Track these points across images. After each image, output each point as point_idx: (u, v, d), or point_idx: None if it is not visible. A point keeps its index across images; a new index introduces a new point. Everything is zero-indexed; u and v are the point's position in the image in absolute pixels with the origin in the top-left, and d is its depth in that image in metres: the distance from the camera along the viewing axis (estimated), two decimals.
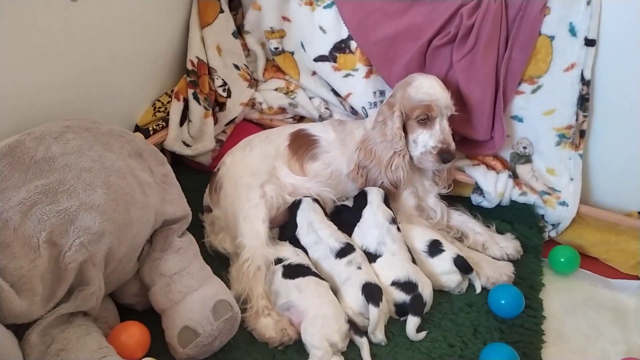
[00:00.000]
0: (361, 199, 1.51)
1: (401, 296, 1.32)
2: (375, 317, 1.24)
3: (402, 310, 1.32)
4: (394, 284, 1.33)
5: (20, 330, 0.96)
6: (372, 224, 1.43)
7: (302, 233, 1.43)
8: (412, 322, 1.28)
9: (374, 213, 1.45)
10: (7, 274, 0.93)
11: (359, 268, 1.34)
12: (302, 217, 1.45)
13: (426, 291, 1.33)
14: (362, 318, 1.28)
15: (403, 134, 1.53)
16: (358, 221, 1.48)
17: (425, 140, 1.52)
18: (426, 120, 1.51)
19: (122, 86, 1.58)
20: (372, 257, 1.40)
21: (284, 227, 1.51)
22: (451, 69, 1.63)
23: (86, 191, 1.05)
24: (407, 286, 1.32)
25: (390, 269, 1.36)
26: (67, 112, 1.34)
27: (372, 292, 1.28)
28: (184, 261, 1.21)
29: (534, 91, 1.59)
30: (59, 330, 0.99)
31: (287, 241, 1.45)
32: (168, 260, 1.20)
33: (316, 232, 1.41)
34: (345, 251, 1.38)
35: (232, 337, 1.20)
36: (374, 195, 1.49)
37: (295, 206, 1.48)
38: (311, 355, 1.19)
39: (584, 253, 1.63)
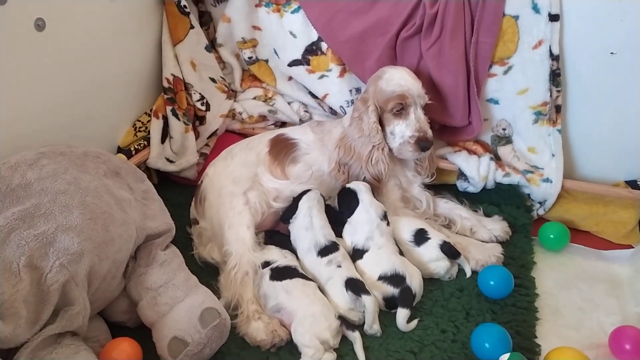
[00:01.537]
0: (351, 198, 1.49)
1: (389, 289, 1.32)
2: (372, 305, 1.24)
3: (391, 303, 1.32)
4: (381, 278, 1.34)
5: (9, 355, 0.98)
6: (364, 220, 1.43)
7: (299, 216, 1.45)
8: (402, 314, 1.28)
9: (367, 210, 1.45)
10: None
11: (339, 266, 1.35)
12: (305, 201, 1.47)
13: (415, 282, 1.34)
14: (354, 313, 1.29)
15: (380, 128, 1.55)
16: (348, 218, 1.48)
17: (402, 131, 1.53)
18: (401, 111, 1.52)
19: (100, 110, 1.60)
20: (359, 253, 1.40)
21: (270, 232, 1.52)
22: (422, 59, 1.64)
23: (62, 213, 1.07)
24: (395, 279, 1.33)
25: (376, 264, 1.37)
26: (46, 140, 1.36)
27: (356, 285, 1.29)
28: (169, 273, 1.22)
29: (505, 72, 1.60)
30: (47, 352, 1.00)
31: (274, 242, 1.46)
32: (153, 274, 1.21)
33: (311, 219, 1.42)
34: (328, 250, 1.38)
35: (224, 344, 1.21)
36: (364, 193, 1.48)
37: (303, 193, 1.50)
38: (303, 354, 1.20)
39: (575, 228, 1.64)
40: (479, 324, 1.26)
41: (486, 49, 1.58)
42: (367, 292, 1.26)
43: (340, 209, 1.52)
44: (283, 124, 1.95)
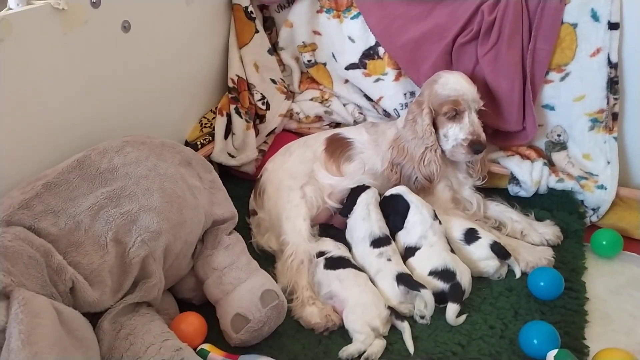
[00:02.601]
0: (397, 202, 1.52)
1: (439, 285, 1.36)
2: (430, 297, 1.30)
3: (441, 298, 1.36)
4: (431, 273, 1.38)
5: (94, 319, 1.10)
6: (418, 221, 1.47)
7: (357, 210, 1.51)
8: (452, 309, 1.32)
9: (420, 211, 1.48)
10: (81, 269, 1.07)
11: (389, 260, 1.40)
12: (364, 198, 1.53)
13: (465, 279, 1.37)
14: (404, 306, 1.34)
15: (433, 130, 1.60)
16: (402, 227, 1.50)
17: (456, 134, 1.57)
18: (455, 115, 1.56)
19: (172, 107, 1.74)
20: (411, 251, 1.45)
21: (324, 225, 1.60)
22: (477, 64, 1.68)
23: (144, 195, 1.19)
24: (445, 274, 1.37)
25: (427, 260, 1.41)
26: (126, 132, 1.50)
27: (409, 280, 1.34)
28: (233, 256, 1.32)
29: (562, 79, 1.62)
30: (127, 318, 1.11)
31: (329, 235, 1.53)
32: (218, 256, 1.31)
33: (369, 212, 1.49)
34: (381, 242, 1.45)
35: (281, 325, 1.29)
36: (410, 194, 1.52)
37: (360, 189, 1.56)
38: (354, 339, 1.27)
39: (628, 236, 1.62)
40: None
41: (543, 56, 1.60)
42: (423, 286, 1.32)
43: (389, 216, 1.54)
44: (337, 125, 2.03)
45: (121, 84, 1.51)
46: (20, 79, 1.22)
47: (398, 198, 1.53)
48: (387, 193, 1.56)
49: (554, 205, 1.69)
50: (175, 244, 1.22)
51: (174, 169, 1.29)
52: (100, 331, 1.07)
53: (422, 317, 1.32)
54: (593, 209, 1.65)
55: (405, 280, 1.35)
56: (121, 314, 1.11)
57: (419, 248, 1.44)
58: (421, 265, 1.41)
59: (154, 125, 1.66)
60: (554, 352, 1.14)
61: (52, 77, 1.30)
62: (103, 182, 1.20)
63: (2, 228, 1.03)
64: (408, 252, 1.45)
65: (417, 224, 1.46)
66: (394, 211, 1.52)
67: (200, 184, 1.38)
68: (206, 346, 1.22)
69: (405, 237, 1.47)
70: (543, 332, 1.20)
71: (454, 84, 1.56)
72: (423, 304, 1.33)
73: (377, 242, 1.45)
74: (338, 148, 1.70)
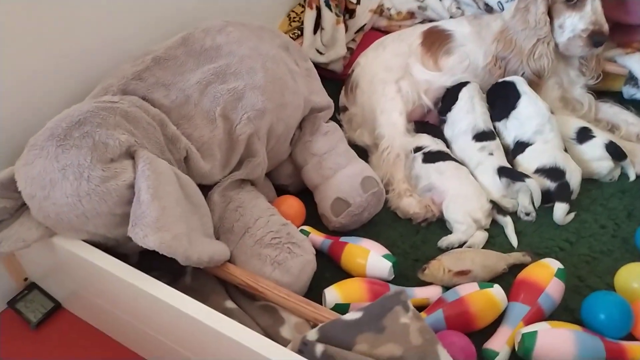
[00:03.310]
0: (508, 91, 1.43)
1: (546, 183, 1.28)
2: (536, 186, 1.24)
3: (546, 197, 1.29)
4: (538, 171, 1.30)
5: (204, 192, 1.12)
6: (533, 113, 1.37)
7: (460, 102, 1.44)
8: (560, 208, 1.25)
9: (535, 102, 1.38)
10: (193, 141, 1.09)
11: (491, 154, 1.34)
12: (466, 91, 1.45)
13: (574, 179, 1.29)
14: (507, 200, 1.29)
15: (548, 19, 1.45)
16: (504, 116, 1.42)
17: (574, 24, 1.42)
18: (575, 1, 1.40)
19: (261, 2, 1.68)
20: (522, 146, 1.36)
21: (420, 122, 1.54)
22: None
23: (249, 73, 1.17)
24: (553, 173, 1.28)
25: (536, 158, 1.32)
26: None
27: (510, 172, 1.28)
28: (332, 142, 1.30)
29: None
30: (235, 192, 1.14)
31: (426, 131, 1.48)
32: (317, 142, 1.30)
33: (473, 105, 1.42)
34: (485, 136, 1.38)
35: (377, 214, 1.28)
36: (524, 85, 1.42)
37: (460, 85, 1.49)
38: (455, 230, 1.24)
39: None
40: None
41: None
42: (527, 176, 1.26)
43: (494, 106, 1.46)
44: (431, 22, 1.90)
45: None
46: None
47: (509, 85, 1.43)
48: (501, 79, 1.47)
49: None
50: (278, 125, 1.21)
51: (274, 51, 1.26)
52: (211, 202, 1.10)
53: (528, 214, 1.27)
54: None
55: (508, 172, 1.29)
56: (229, 188, 1.14)
57: (531, 144, 1.35)
58: (529, 162, 1.33)
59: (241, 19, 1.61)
60: None
61: None
62: (208, 59, 1.18)
63: (119, 96, 1.05)
64: (517, 148, 1.37)
65: (533, 116, 1.36)
66: (501, 100, 1.43)
67: (298, 69, 1.34)
68: (306, 228, 1.24)
69: (518, 129, 1.38)
70: None
71: None
72: (528, 200, 1.27)
73: (480, 136, 1.38)
74: (436, 41, 1.59)
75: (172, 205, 0.89)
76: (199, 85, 1.13)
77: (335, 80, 1.81)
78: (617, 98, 1.60)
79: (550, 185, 1.28)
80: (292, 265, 1.02)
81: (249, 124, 1.14)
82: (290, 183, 1.37)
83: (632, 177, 1.35)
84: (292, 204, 1.26)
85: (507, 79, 1.46)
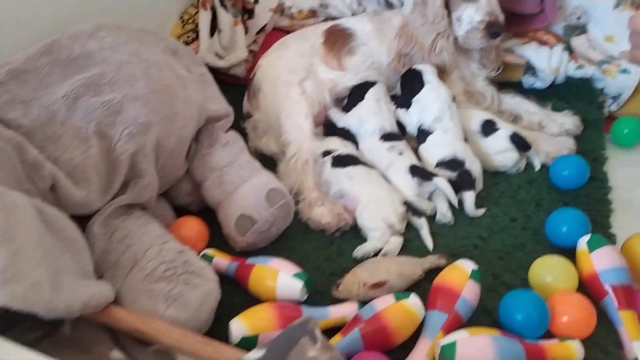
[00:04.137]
0: (415, 81, 1.41)
1: (446, 174, 1.27)
2: (445, 184, 1.22)
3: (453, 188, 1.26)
4: (438, 164, 1.29)
5: (82, 224, 0.97)
6: (434, 97, 1.36)
7: (366, 103, 1.39)
8: (469, 197, 1.23)
9: (436, 89, 1.37)
10: (61, 165, 0.94)
11: (401, 154, 1.30)
12: (373, 93, 1.40)
13: (475, 167, 1.28)
14: (424, 202, 1.25)
15: (446, 13, 1.43)
16: (408, 103, 1.40)
17: (471, 16, 1.41)
18: None
19: (149, 3, 1.53)
20: (423, 135, 1.34)
21: (329, 125, 1.47)
22: None
23: (128, 82, 1.03)
24: (453, 164, 1.27)
25: (437, 149, 1.31)
26: None
27: (422, 171, 1.25)
28: (232, 154, 1.19)
29: None
30: (120, 221, 1.00)
31: (335, 134, 1.41)
32: (217, 154, 1.18)
33: (380, 108, 1.37)
34: (392, 136, 1.34)
35: (288, 228, 1.19)
36: (431, 75, 1.40)
37: (366, 85, 1.43)
38: (369, 237, 1.18)
39: None
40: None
41: None
42: (435, 174, 1.24)
43: (402, 92, 1.44)
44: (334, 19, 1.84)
45: None
46: None
47: (416, 74, 1.41)
48: (412, 67, 1.44)
49: (571, 95, 1.57)
50: (168, 139, 1.08)
51: (158, 56, 1.13)
52: (91, 235, 0.96)
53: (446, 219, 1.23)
54: (613, 97, 1.53)
55: (419, 171, 1.26)
56: (113, 216, 0.99)
57: (431, 132, 1.33)
58: (430, 154, 1.31)
59: (128, 22, 1.45)
60: (586, 236, 1.06)
61: None
62: (78, 69, 1.03)
63: None
64: (420, 136, 1.35)
65: (434, 101, 1.35)
66: (409, 88, 1.41)
67: (190, 75, 1.22)
68: (210, 251, 1.12)
69: (421, 113, 1.36)
70: (573, 218, 1.12)
71: None
72: (445, 205, 1.23)
73: (388, 137, 1.34)
74: (338, 40, 1.53)
75: (30, 247, 0.74)
76: (66, 100, 0.98)
77: (239, 85, 1.69)
78: (518, 88, 1.63)
79: (451, 175, 1.27)
80: (190, 299, 0.90)
81: (131, 140, 1.00)
82: (191, 202, 1.24)
83: (538, 167, 1.36)
84: (193, 225, 1.14)
85: (417, 67, 1.43)
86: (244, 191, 1.14)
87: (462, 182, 1.25)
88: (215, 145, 1.19)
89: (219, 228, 1.18)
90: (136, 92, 1.03)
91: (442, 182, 1.22)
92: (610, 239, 1.18)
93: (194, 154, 1.21)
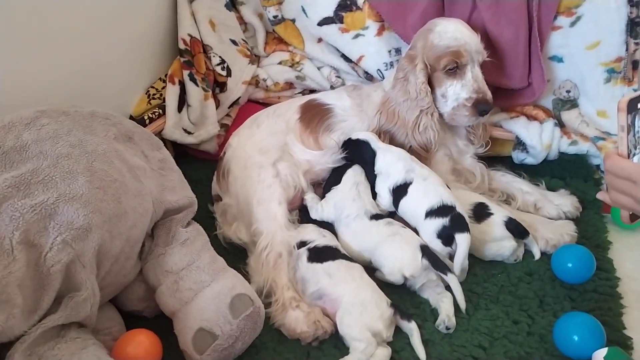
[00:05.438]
0: (363, 150, 1.31)
1: (439, 222, 1.16)
2: (457, 285, 1.10)
3: (446, 236, 1.16)
4: (428, 214, 1.18)
5: (2, 351, 0.80)
6: (393, 159, 1.28)
7: (344, 188, 1.28)
8: (463, 238, 1.13)
9: (390, 151, 1.30)
10: None
11: (404, 227, 1.19)
12: (352, 176, 1.30)
13: (465, 216, 1.18)
14: (423, 275, 1.13)
15: (429, 89, 1.34)
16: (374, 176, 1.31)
17: (457, 93, 1.32)
18: (455, 69, 1.31)
19: (110, 75, 1.42)
20: (403, 189, 1.24)
21: (304, 210, 1.33)
22: (475, 9, 1.43)
23: (65, 180, 0.89)
24: (443, 210, 1.17)
25: (423, 197, 1.21)
26: None
27: (435, 258, 1.12)
28: (192, 254, 1.04)
29: (572, 24, 1.39)
30: (48, 347, 0.82)
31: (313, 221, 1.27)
32: (173, 255, 1.03)
33: (359, 193, 1.27)
34: (380, 216, 1.23)
35: (258, 337, 1.03)
36: (377, 142, 1.32)
37: (345, 166, 1.33)
38: (352, 349, 1.01)
39: None
40: (558, 314, 1.07)
41: None
42: (450, 270, 1.11)
43: (367, 164, 1.33)
44: (312, 93, 1.75)
45: (43, 47, 1.18)
46: None
47: (364, 145, 1.31)
48: (353, 136, 1.34)
49: (565, 172, 1.47)
50: (113, 243, 0.92)
51: (107, 145, 0.99)
52: None
53: (448, 329, 1.07)
54: None
55: (432, 256, 1.12)
56: (40, 342, 0.82)
57: (410, 183, 1.23)
58: (418, 205, 1.21)
59: (88, 100, 1.32)
60: (603, 351, 0.91)
61: None
62: (7, 165, 0.89)
63: None
64: (399, 193, 1.24)
65: (395, 160, 1.28)
66: (360, 158, 1.32)
67: (145, 164, 1.08)
68: None
69: (388, 179, 1.27)
70: (584, 326, 0.98)
71: (454, 32, 1.30)
72: (451, 308, 1.09)
73: (377, 216, 1.23)
74: (315, 116, 1.43)
75: None
76: None
77: (211, 161, 1.57)
78: (508, 163, 1.53)
79: (444, 221, 1.16)
80: None
81: (66, 248, 0.85)
82: (145, 307, 1.08)
83: (538, 256, 1.23)
84: (141, 341, 0.96)
85: (359, 136, 1.34)
86: (204, 300, 0.98)
87: (454, 225, 1.15)
88: (172, 244, 1.04)
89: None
90: (75, 190, 0.88)
91: (454, 282, 1.10)
92: (627, 344, 1.03)
93: (148, 253, 1.05)
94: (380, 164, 1.29)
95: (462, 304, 1.09)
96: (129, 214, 0.96)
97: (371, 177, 1.31)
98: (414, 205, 1.22)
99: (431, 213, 1.18)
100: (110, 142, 1.02)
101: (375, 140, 1.33)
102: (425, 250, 1.12)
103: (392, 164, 1.28)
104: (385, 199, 1.28)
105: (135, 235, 0.98)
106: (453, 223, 1.15)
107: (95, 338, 0.91)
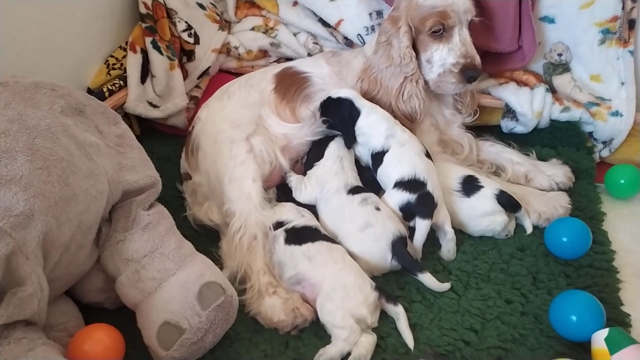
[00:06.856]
0: (347, 108, 1.21)
1: (405, 197, 1.09)
2: (431, 281, 1.03)
3: (408, 213, 1.09)
4: (397, 185, 1.11)
5: None
6: (377, 119, 1.19)
7: (327, 162, 1.19)
8: (422, 225, 1.06)
9: (374, 110, 1.21)
10: None
11: (377, 209, 1.09)
12: (335, 149, 1.20)
13: (437, 193, 1.10)
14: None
15: (414, 54, 1.24)
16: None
17: (443, 58, 1.22)
18: (441, 31, 1.20)
19: (63, 42, 1.28)
20: (379, 157, 1.16)
21: (283, 187, 1.23)
22: None
23: (2, 160, 0.78)
24: (413, 184, 1.10)
25: (396, 166, 1.13)
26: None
27: (406, 257, 1.04)
28: (155, 239, 0.93)
29: None
30: None
31: (290, 199, 1.18)
32: (134, 241, 0.92)
33: (342, 166, 1.18)
34: (360, 189, 1.15)
35: (232, 327, 0.94)
36: (361, 99, 1.22)
37: (327, 139, 1.23)
38: (334, 337, 0.93)
39: None
40: (553, 292, 1.00)
41: None
42: (422, 269, 1.03)
43: (337, 125, 1.23)
44: (288, 60, 1.63)
45: None
46: None
47: (347, 103, 1.20)
48: (333, 95, 1.22)
49: (557, 140, 1.40)
50: (61, 230, 0.82)
51: (51, 119, 0.87)
52: None
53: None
54: (604, 142, 1.37)
55: (403, 257, 1.04)
56: None
57: (387, 151, 1.15)
58: (390, 172, 1.14)
59: (40, 73, 1.19)
60: (603, 332, 0.85)
61: None
62: None
63: None
64: (376, 159, 1.17)
65: (378, 122, 1.19)
66: (343, 119, 1.20)
67: (100, 140, 0.97)
68: None
69: (369, 142, 1.19)
70: (584, 305, 0.91)
71: None
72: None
73: (356, 190, 1.14)
74: (292, 86, 1.32)
75: None
76: None
77: (180, 136, 1.45)
78: (496, 132, 1.45)
79: (410, 197, 1.09)
80: None
81: (5, 238, 0.74)
82: (105, 299, 0.98)
83: (530, 230, 1.16)
84: (100, 338, 0.87)
85: (341, 94, 1.22)
86: (169, 290, 0.88)
87: (419, 206, 1.08)
88: (132, 229, 0.94)
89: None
90: (13, 172, 0.77)
91: (427, 279, 1.03)
92: (625, 321, 0.98)
93: (105, 240, 0.95)
94: (362, 123, 1.19)
95: (443, 288, 1.03)
96: (79, 196, 0.85)
97: (352, 140, 1.21)
98: (387, 171, 1.15)
99: (400, 184, 1.11)
100: (56, 116, 0.90)
101: (359, 98, 1.22)
102: (396, 249, 1.04)
103: (375, 125, 1.18)
104: (364, 156, 1.22)
105: (87, 220, 0.87)
106: (419, 203, 1.09)
107: (47, 336, 0.81)
